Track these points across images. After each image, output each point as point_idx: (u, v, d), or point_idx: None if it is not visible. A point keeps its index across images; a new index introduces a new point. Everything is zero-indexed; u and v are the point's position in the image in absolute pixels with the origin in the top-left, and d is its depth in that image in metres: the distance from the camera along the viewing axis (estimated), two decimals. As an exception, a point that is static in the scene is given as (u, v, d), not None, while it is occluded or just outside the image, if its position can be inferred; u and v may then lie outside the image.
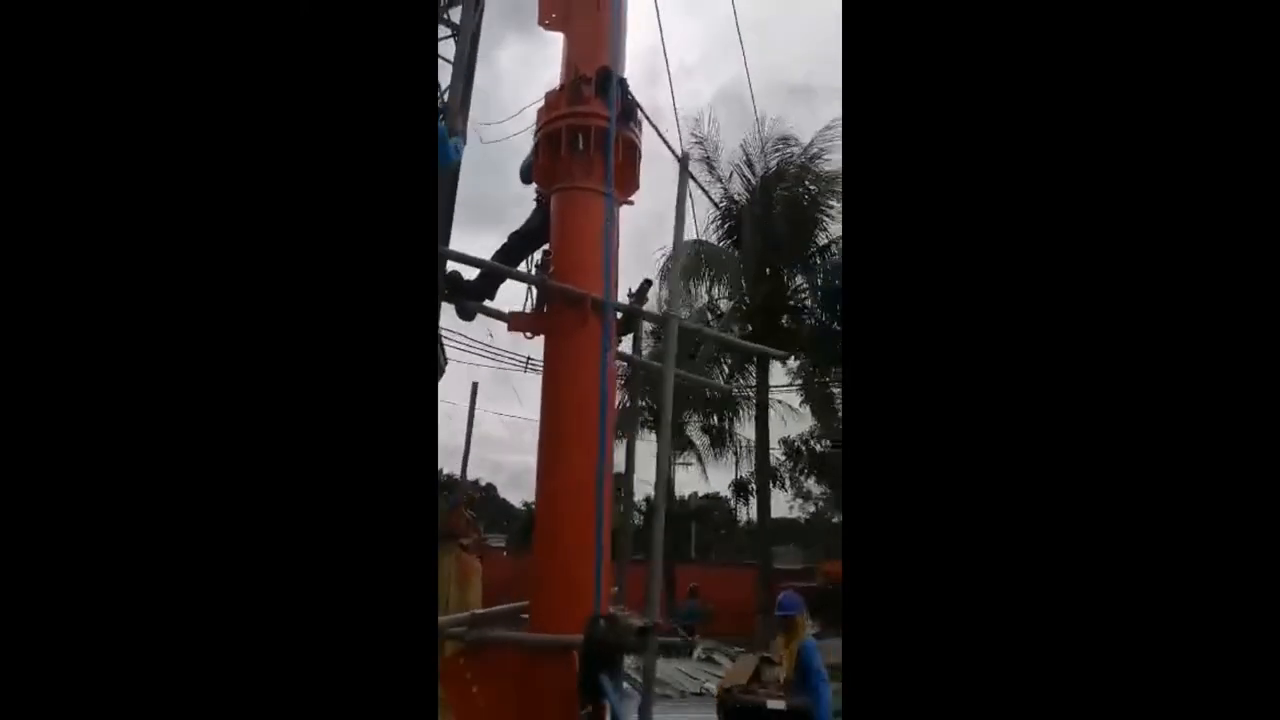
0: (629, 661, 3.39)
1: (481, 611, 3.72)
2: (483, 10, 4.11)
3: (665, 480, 3.47)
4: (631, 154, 3.93)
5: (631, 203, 4.10)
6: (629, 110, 3.81)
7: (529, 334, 3.74)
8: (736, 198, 15.48)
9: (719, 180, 15.26)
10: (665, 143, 4.00)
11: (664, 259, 13.25)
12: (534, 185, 4.10)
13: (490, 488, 31.20)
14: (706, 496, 26.26)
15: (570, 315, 3.61)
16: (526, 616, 3.66)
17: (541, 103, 4.03)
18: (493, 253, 4.01)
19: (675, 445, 16.43)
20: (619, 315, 3.88)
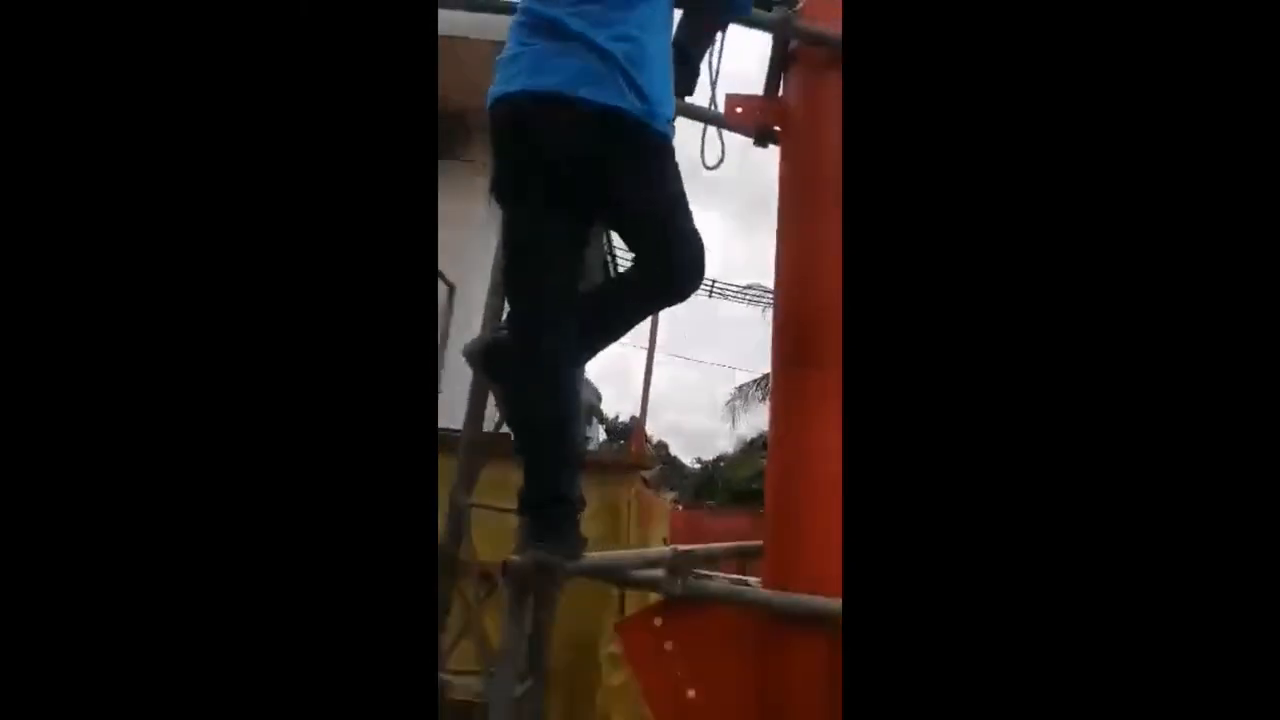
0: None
1: (687, 549, 2.50)
2: None
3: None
4: None
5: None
6: None
7: (757, 131, 2.42)
8: None
9: None
10: None
11: None
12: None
13: (663, 445, 30.79)
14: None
15: (821, 74, 2.25)
16: (753, 580, 2.43)
17: None
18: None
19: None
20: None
